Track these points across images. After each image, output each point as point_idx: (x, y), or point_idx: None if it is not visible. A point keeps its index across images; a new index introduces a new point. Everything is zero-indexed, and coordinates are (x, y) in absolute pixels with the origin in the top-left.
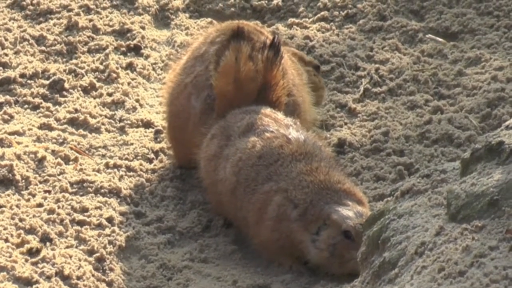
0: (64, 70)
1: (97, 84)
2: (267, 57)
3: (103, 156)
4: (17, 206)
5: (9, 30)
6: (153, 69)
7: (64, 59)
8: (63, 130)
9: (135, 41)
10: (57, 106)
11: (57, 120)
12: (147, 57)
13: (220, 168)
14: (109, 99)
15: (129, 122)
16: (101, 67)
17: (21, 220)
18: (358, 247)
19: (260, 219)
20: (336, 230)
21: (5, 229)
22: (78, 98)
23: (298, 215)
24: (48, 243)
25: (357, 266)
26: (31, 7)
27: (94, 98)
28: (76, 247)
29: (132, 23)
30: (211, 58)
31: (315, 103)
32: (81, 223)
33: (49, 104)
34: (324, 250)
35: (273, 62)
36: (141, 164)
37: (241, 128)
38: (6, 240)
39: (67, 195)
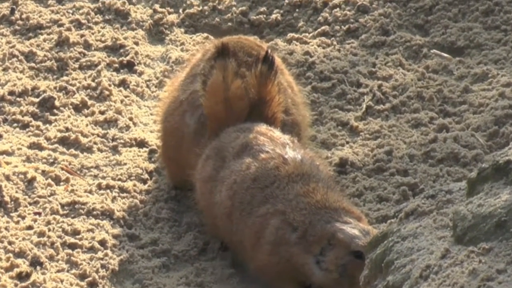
0: (55, 88)
1: (89, 102)
2: (261, 72)
3: (95, 176)
4: (6, 228)
5: None
6: (147, 86)
7: (55, 76)
8: (54, 150)
9: (128, 57)
10: (47, 125)
11: (48, 139)
12: (140, 73)
13: (215, 191)
14: (101, 118)
15: (122, 141)
16: (93, 84)
17: (10, 243)
18: None
19: (257, 243)
20: (344, 250)
21: None
22: (69, 116)
23: (298, 238)
24: (38, 267)
25: None
26: (20, 22)
27: (86, 117)
28: (68, 271)
29: (125, 38)
30: (198, 78)
31: None
32: (72, 246)
33: (39, 123)
34: (333, 272)
35: (267, 77)
36: (134, 185)
37: (236, 148)
38: None
39: (58, 217)
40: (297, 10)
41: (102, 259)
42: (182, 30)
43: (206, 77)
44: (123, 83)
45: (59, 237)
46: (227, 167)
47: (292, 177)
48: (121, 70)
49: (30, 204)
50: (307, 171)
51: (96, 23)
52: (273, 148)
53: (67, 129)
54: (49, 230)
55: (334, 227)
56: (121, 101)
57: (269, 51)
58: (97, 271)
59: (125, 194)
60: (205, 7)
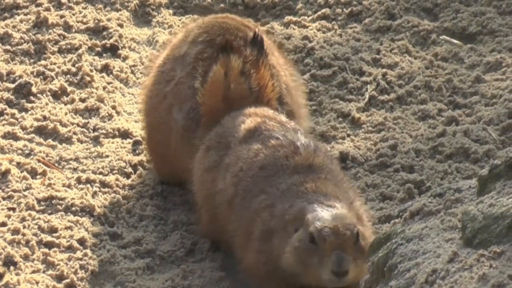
0: (32, 73)
1: (69, 89)
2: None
3: (75, 169)
4: None
5: None
6: (132, 72)
7: (32, 60)
8: (30, 140)
9: (111, 40)
10: (23, 113)
11: (23, 128)
12: (125, 58)
13: (219, 179)
14: (82, 106)
15: (104, 131)
16: (73, 69)
17: None
18: (322, 253)
19: (247, 239)
20: (305, 231)
21: None
22: (47, 104)
23: (277, 223)
24: (12, 267)
25: (326, 277)
26: None
27: (65, 104)
28: (44, 272)
29: (108, 20)
30: (198, 73)
31: None
32: (49, 245)
33: (14, 111)
34: (289, 255)
35: (258, 60)
36: (117, 179)
37: (242, 133)
38: None
39: (33, 213)
40: None
41: (81, 259)
42: (171, 11)
43: (206, 72)
44: (105, 69)
45: (35, 235)
46: (233, 153)
47: (298, 168)
48: (104, 54)
49: (3, 198)
50: (318, 163)
51: (77, 3)
52: (284, 133)
53: (45, 118)
54: (24, 227)
55: (311, 207)
56: (104, 88)
57: (257, 31)
58: (75, 272)
59: (106, 189)
60: None
